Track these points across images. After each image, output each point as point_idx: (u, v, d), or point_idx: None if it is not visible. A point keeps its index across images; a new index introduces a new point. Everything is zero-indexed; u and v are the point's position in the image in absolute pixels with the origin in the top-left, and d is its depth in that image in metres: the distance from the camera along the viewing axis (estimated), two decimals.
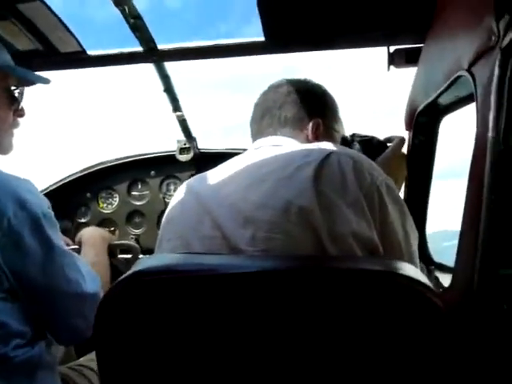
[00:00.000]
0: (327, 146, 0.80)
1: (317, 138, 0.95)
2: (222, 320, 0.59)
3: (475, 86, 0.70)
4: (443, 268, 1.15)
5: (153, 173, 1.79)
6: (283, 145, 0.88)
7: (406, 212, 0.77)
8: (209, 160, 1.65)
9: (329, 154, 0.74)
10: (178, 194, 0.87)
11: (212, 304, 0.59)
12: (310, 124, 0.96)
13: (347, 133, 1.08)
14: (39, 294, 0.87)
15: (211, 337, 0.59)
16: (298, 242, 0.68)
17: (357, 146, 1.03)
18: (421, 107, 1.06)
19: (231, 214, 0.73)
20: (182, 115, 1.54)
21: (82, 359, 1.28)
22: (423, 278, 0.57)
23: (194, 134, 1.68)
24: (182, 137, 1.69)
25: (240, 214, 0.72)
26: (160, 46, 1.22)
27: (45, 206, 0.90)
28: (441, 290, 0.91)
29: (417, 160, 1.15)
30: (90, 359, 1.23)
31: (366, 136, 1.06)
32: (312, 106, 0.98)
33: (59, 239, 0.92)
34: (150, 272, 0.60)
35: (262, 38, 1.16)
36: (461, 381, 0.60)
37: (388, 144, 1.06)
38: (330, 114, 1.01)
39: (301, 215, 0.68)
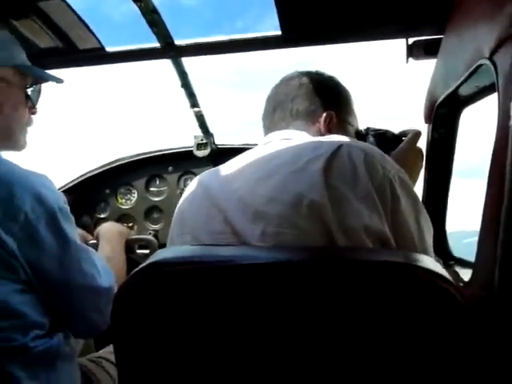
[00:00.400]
0: (338, 138, 0.79)
1: (329, 130, 0.93)
2: (238, 311, 0.59)
3: (497, 74, 0.68)
4: (463, 263, 1.13)
5: (170, 168, 1.80)
6: (293, 138, 0.86)
7: (420, 206, 0.75)
8: (226, 155, 1.65)
9: (339, 147, 0.72)
10: (190, 188, 0.86)
11: (228, 295, 0.59)
12: (323, 117, 0.94)
13: (362, 126, 1.06)
14: (55, 286, 0.89)
15: (227, 328, 0.59)
16: (308, 236, 0.67)
17: (371, 139, 1.01)
18: (440, 99, 1.04)
19: (240, 209, 0.72)
20: (200, 111, 1.54)
21: (101, 351, 1.30)
22: (443, 271, 0.55)
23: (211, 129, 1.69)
24: (198, 132, 1.70)
25: (249, 208, 0.71)
26: (177, 42, 1.23)
27: (61, 201, 0.91)
28: (461, 284, 0.89)
29: (437, 153, 1.13)
30: (108, 352, 1.25)
31: (381, 129, 1.04)
32: (324, 98, 0.96)
33: (74, 234, 0.93)
34: (166, 263, 0.60)
35: (278, 32, 1.16)
36: (481, 376, 0.59)
37: (403, 138, 1.04)
38: (343, 106, 0.99)
39: (311, 209, 0.67)
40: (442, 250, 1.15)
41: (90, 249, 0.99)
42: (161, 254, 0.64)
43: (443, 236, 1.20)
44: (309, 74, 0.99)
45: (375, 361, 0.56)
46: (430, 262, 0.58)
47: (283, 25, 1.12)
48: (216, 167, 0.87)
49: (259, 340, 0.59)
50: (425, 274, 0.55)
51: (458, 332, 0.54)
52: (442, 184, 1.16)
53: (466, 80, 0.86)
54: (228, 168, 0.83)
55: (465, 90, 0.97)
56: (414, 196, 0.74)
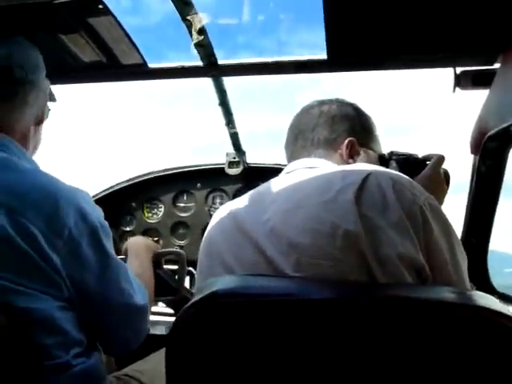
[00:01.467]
0: (365, 166, 0.79)
1: (351, 157, 0.94)
2: (295, 345, 0.57)
3: None
4: (506, 298, 1.10)
5: (199, 185, 1.80)
6: (318, 167, 0.87)
7: (452, 230, 0.74)
8: (257, 175, 1.64)
9: (368, 175, 0.73)
10: (216, 218, 0.86)
11: (286, 329, 0.57)
12: (344, 144, 0.95)
13: (385, 150, 1.05)
14: (93, 302, 0.88)
15: (282, 362, 0.58)
16: (344, 266, 0.66)
17: (394, 164, 1.01)
18: (492, 132, 1.02)
19: (272, 239, 0.72)
20: (235, 129, 1.54)
21: (126, 369, 1.28)
22: (505, 310, 0.54)
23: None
24: (230, 150, 1.70)
25: (282, 238, 0.71)
26: (220, 61, 1.23)
27: (101, 217, 0.91)
28: None
29: (483, 185, 1.11)
30: (136, 370, 1.23)
31: (404, 154, 1.03)
32: (345, 125, 0.97)
33: (113, 250, 0.93)
34: (225, 294, 0.60)
35: (324, 56, 1.16)
36: None
37: (427, 162, 1.03)
38: (364, 132, 0.99)
39: (347, 239, 0.67)
40: (483, 283, 1.12)
41: (127, 265, 0.98)
42: (219, 283, 0.63)
43: (485, 269, 1.17)
44: (329, 103, 1.01)
45: None
46: (490, 301, 0.56)
47: (330, 49, 1.11)
48: (243, 196, 0.87)
49: (319, 377, 0.57)
50: (488, 314, 0.53)
51: None
52: (486, 216, 1.14)
53: None
54: (255, 198, 0.84)
55: None
56: (445, 221, 0.73)
